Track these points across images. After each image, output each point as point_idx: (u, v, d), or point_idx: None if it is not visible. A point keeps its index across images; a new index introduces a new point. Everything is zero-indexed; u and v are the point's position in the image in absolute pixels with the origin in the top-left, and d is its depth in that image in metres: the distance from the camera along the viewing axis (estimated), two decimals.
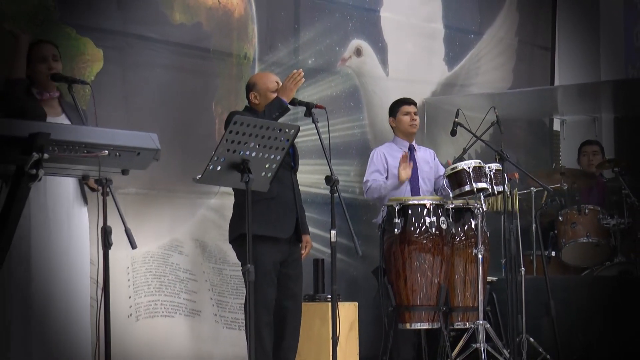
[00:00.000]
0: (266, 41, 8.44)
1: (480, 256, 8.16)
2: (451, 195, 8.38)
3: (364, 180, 8.69)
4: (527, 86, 10.83)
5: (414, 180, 8.67)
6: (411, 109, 8.79)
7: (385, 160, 8.70)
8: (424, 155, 8.87)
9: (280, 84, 7.45)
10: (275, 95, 7.40)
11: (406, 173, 8.53)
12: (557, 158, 11.23)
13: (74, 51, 7.16)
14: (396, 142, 8.80)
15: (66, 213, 6.01)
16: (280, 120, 7.23)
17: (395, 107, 8.80)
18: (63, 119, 6.11)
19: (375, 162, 8.70)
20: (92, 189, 6.02)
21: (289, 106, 7.34)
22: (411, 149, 8.78)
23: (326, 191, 7.47)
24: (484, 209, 8.24)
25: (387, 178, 8.66)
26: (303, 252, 7.69)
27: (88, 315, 6.06)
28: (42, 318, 5.88)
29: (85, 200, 6.12)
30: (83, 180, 5.91)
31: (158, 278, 7.58)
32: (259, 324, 7.23)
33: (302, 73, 7.37)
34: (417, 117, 8.83)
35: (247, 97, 7.60)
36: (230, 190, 7.54)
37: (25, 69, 6.06)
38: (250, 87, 7.60)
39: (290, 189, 7.55)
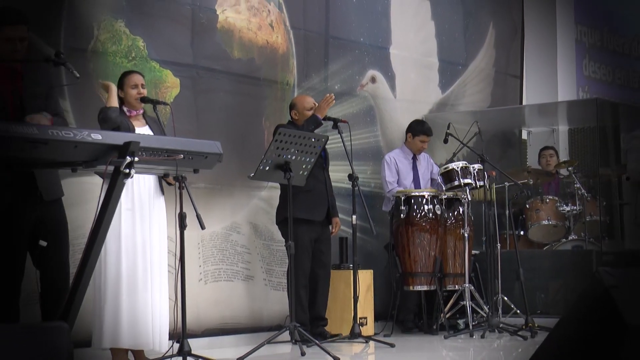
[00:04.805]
0: (303, 71, 8.42)
1: (466, 235, 8.15)
2: (444, 188, 8.37)
3: (388, 181, 8.57)
4: (502, 105, 10.79)
5: (416, 186, 8.63)
6: (427, 139, 8.69)
7: (397, 165, 8.65)
8: (421, 159, 8.80)
9: (316, 104, 7.49)
10: (311, 112, 7.43)
11: None
12: (524, 160, 11.16)
13: (157, 80, 7.17)
14: (404, 151, 8.73)
15: (148, 202, 6.00)
16: (315, 131, 7.24)
17: (417, 130, 8.64)
18: (147, 130, 6.11)
19: (391, 167, 8.63)
20: (169, 184, 6.02)
21: (322, 121, 7.36)
22: (414, 158, 8.73)
23: (348, 185, 7.49)
24: (469, 199, 8.23)
25: (398, 179, 8.63)
26: (334, 230, 7.70)
27: (166, 281, 6.04)
28: (130, 280, 5.88)
29: (162, 191, 6.10)
30: (163, 177, 5.91)
31: (221, 251, 7.58)
32: (297, 286, 7.23)
33: (333, 96, 7.43)
34: (427, 145, 8.75)
35: (290, 114, 7.62)
36: (276, 184, 7.53)
37: (117, 101, 6.06)
38: (292, 107, 7.63)
39: (323, 183, 7.56)
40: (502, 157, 10.66)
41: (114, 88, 6.08)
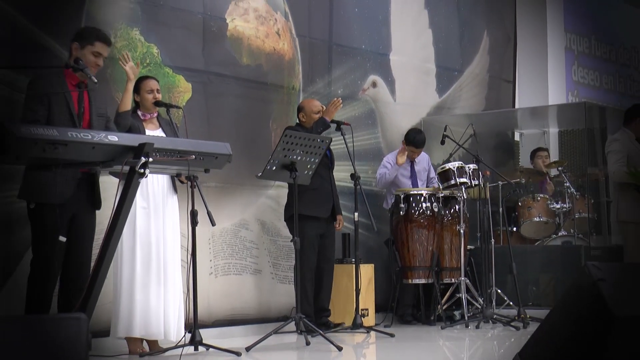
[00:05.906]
0: (308, 76, 8.42)
1: (462, 231, 8.14)
2: (441, 187, 8.36)
3: (383, 164, 8.61)
4: (495, 109, 10.78)
5: (414, 185, 8.60)
6: (418, 151, 8.59)
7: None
8: (421, 160, 8.77)
9: (323, 107, 7.51)
10: (318, 115, 7.45)
11: (402, 159, 8.46)
12: (517, 160, 11.16)
13: (170, 85, 7.17)
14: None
15: (161, 200, 6.01)
16: (322, 133, 7.26)
17: (409, 141, 8.51)
18: (160, 132, 6.13)
19: (385, 164, 8.63)
20: (182, 182, 6.03)
21: (330, 123, 7.38)
22: (412, 161, 8.69)
23: (351, 184, 7.48)
24: (465, 197, 8.21)
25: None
26: (338, 226, 7.70)
27: (180, 274, 6.04)
28: (143, 275, 5.89)
29: (175, 190, 6.11)
30: (176, 177, 5.92)
31: (231, 247, 7.58)
32: (303, 280, 7.23)
33: (341, 100, 7.44)
34: (417, 155, 8.69)
35: (297, 117, 7.63)
36: (284, 184, 7.53)
37: (130, 103, 6.06)
38: (299, 110, 7.64)
39: (328, 182, 7.57)
40: (496, 157, 10.65)
41: (131, 86, 6.07)
